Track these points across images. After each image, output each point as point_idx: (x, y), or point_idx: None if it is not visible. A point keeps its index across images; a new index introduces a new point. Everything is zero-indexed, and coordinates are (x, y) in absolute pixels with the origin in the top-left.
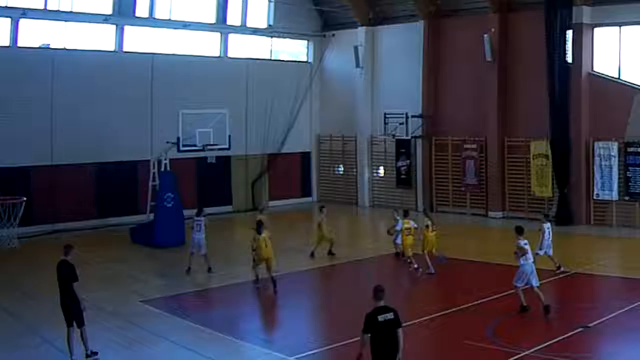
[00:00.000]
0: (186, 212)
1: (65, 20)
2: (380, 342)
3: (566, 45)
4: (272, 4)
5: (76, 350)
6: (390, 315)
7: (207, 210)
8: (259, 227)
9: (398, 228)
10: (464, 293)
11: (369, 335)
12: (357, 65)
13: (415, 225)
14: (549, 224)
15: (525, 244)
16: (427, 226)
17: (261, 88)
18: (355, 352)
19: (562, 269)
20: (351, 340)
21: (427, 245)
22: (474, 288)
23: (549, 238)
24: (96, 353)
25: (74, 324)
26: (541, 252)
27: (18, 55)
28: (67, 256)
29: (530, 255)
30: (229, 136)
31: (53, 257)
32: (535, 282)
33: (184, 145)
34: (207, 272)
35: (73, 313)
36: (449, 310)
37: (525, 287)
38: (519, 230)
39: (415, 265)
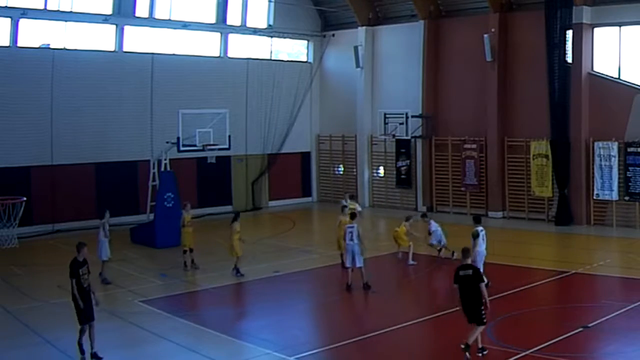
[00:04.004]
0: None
1: (65, 20)
2: (462, 293)
3: (566, 45)
4: (272, 4)
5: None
6: (469, 272)
7: (207, 210)
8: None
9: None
10: None
11: (457, 285)
12: (357, 65)
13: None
14: (431, 220)
15: (351, 226)
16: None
17: (261, 88)
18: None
19: (446, 256)
20: (351, 340)
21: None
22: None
23: (437, 229)
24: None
25: (80, 321)
26: (434, 242)
27: (18, 55)
28: (77, 254)
29: (352, 237)
30: (229, 136)
31: (53, 257)
32: (358, 263)
33: (184, 145)
34: (102, 282)
35: (75, 309)
36: (449, 310)
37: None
38: (352, 216)
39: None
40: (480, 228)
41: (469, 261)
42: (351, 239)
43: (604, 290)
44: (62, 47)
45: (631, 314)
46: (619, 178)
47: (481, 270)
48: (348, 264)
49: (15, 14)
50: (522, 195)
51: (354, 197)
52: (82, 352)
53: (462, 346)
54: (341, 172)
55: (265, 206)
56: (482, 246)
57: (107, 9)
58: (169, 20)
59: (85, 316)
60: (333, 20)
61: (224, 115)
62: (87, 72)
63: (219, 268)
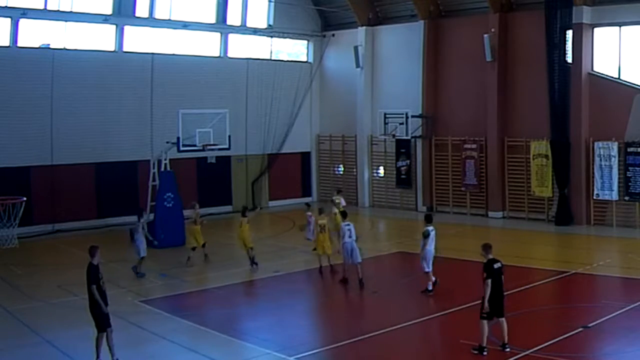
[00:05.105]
0: (186, 213)
1: (65, 20)
2: (495, 285)
3: (566, 45)
4: (272, 4)
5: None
6: (500, 264)
7: (208, 210)
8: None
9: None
10: (464, 293)
11: (490, 280)
12: (357, 65)
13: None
14: (309, 213)
15: (347, 224)
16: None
17: (261, 88)
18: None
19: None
20: (351, 340)
21: None
22: (473, 288)
23: (313, 225)
24: None
25: (102, 328)
26: (310, 237)
27: (18, 55)
28: (92, 258)
29: (350, 235)
30: (229, 136)
31: (53, 257)
32: (352, 260)
33: (184, 145)
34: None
35: (93, 317)
36: (449, 310)
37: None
38: (344, 215)
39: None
40: (430, 228)
41: (491, 255)
42: (349, 237)
43: (604, 290)
44: (62, 47)
45: (631, 314)
46: (619, 178)
47: (430, 269)
48: (354, 260)
49: (15, 14)
50: (522, 195)
51: (340, 192)
52: None
53: (501, 347)
54: (341, 172)
55: (265, 206)
56: (431, 245)
57: (107, 9)
58: (169, 20)
59: (107, 321)
60: (333, 20)
61: (224, 115)
62: (87, 72)
63: (219, 268)
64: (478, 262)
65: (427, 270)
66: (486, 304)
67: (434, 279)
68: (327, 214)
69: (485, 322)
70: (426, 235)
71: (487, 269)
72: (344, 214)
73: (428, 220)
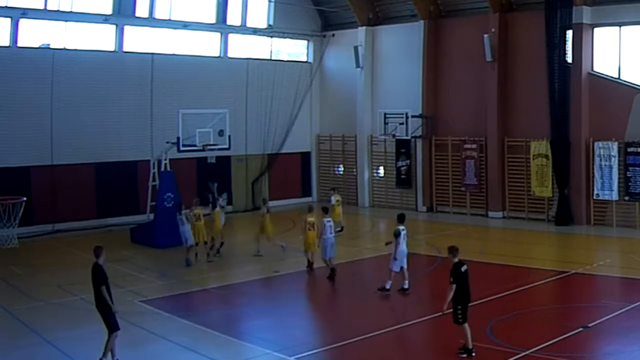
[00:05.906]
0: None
1: (65, 20)
2: (463, 288)
3: (566, 45)
4: (272, 4)
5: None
6: (466, 267)
7: (208, 210)
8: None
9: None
10: None
11: (455, 285)
12: (357, 65)
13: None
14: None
15: (328, 220)
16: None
17: (261, 88)
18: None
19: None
20: (351, 340)
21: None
22: (473, 288)
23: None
24: None
25: (114, 327)
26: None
27: (18, 55)
28: (97, 259)
29: (331, 231)
30: (229, 136)
31: (53, 257)
32: (329, 254)
33: (184, 145)
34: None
35: (103, 318)
36: (449, 310)
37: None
38: (325, 211)
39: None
40: (402, 227)
41: (457, 259)
42: (331, 232)
43: (604, 290)
44: (62, 47)
45: (631, 314)
46: (619, 178)
47: (405, 267)
48: (330, 255)
49: (15, 14)
50: (522, 195)
51: (335, 189)
52: None
53: (462, 352)
54: (341, 172)
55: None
56: (402, 245)
57: (107, 9)
58: (169, 20)
59: (117, 320)
60: (333, 20)
61: (224, 115)
62: (87, 72)
63: (219, 268)
64: (477, 263)
65: (395, 270)
66: (445, 307)
67: (406, 281)
68: (332, 210)
69: (465, 325)
70: (397, 235)
71: (454, 273)
72: (325, 210)
73: (400, 219)
